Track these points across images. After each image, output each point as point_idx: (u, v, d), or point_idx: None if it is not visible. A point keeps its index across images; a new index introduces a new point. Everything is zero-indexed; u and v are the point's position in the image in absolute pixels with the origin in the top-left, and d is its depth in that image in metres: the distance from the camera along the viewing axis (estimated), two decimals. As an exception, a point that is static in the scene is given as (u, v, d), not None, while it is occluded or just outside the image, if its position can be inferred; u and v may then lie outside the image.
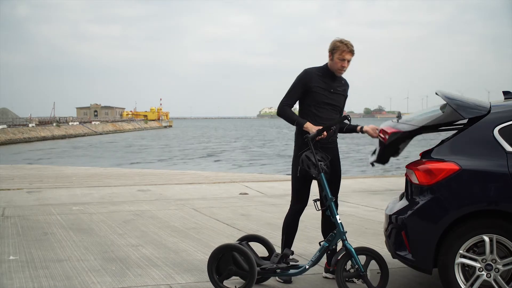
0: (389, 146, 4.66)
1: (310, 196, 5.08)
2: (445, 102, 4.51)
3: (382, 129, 4.75)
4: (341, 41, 4.91)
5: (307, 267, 4.68)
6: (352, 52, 4.93)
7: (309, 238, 6.72)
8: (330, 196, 4.60)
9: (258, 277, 4.75)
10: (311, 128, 4.80)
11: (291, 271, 4.75)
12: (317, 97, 4.94)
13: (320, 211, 4.92)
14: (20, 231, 7.21)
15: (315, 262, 4.66)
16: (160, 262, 5.68)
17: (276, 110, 5.11)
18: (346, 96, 5.16)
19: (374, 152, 5.07)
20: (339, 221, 4.59)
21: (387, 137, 4.59)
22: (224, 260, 4.71)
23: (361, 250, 4.53)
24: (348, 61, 4.95)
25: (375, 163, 5.02)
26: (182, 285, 4.94)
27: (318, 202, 4.71)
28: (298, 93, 4.99)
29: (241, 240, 5.09)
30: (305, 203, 5.08)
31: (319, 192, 4.83)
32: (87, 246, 6.37)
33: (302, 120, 4.92)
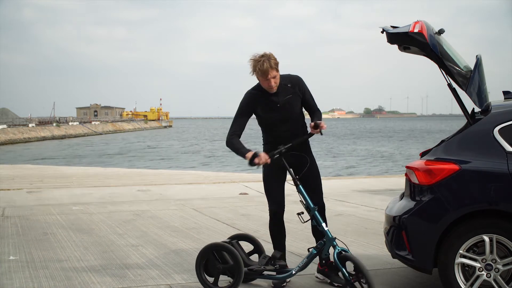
0: None
1: (286, 200, 4.99)
2: None
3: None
4: (257, 66, 4.58)
5: (293, 272, 4.64)
6: (272, 67, 4.59)
7: (309, 238, 6.71)
8: (312, 206, 4.53)
9: (245, 277, 4.73)
10: (249, 157, 4.56)
11: (278, 275, 4.72)
12: (265, 118, 4.79)
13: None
14: (20, 231, 7.21)
15: (302, 268, 4.61)
16: (160, 262, 5.68)
17: (226, 141, 4.81)
18: (300, 96, 4.83)
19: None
20: (326, 229, 4.49)
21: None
22: (212, 259, 4.70)
23: (345, 259, 4.36)
24: (274, 77, 4.64)
25: None
26: (182, 285, 4.94)
27: (302, 215, 4.60)
28: (246, 119, 4.82)
29: (232, 238, 5.07)
30: (279, 206, 4.89)
31: (302, 204, 4.65)
32: (87, 246, 6.37)
33: (245, 150, 4.63)
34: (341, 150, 43.98)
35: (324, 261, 4.93)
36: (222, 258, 4.69)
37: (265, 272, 4.76)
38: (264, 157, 4.56)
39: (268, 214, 5.00)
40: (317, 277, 5.09)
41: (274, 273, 4.75)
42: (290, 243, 6.45)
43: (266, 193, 4.97)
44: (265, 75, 4.61)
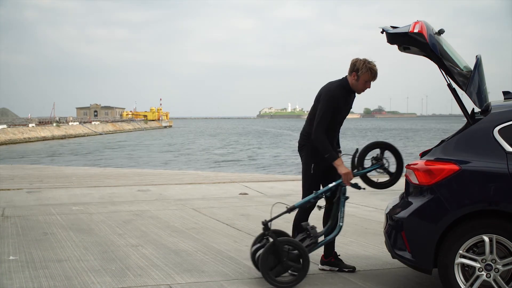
0: None
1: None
2: None
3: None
4: (373, 67, 4.96)
5: (341, 224, 5.01)
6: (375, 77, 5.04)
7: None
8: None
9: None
10: (342, 167, 4.93)
11: (329, 236, 5.03)
12: (338, 117, 5.09)
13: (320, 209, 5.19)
14: (20, 231, 7.21)
15: (343, 216, 5.07)
16: (160, 262, 5.68)
17: (313, 136, 5.01)
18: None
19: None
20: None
21: None
22: (276, 256, 4.79)
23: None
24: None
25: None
26: (182, 285, 4.94)
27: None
28: (328, 118, 5.00)
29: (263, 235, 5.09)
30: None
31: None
32: (87, 246, 6.37)
33: (335, 155, 4.97)
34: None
35: (328, 252, 5.19)
36: (287, 253, 4.80)
37: (319, 240, 5.02)
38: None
39: (300, 211, 5.12)
40: (323, 269, 5.20)
41: (321, 238, 5.05)
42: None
43: (307, 190, 5.12)
44: (374, 78, 5.00)
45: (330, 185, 5.06)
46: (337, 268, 5.23)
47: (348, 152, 5.24)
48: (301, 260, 4.81)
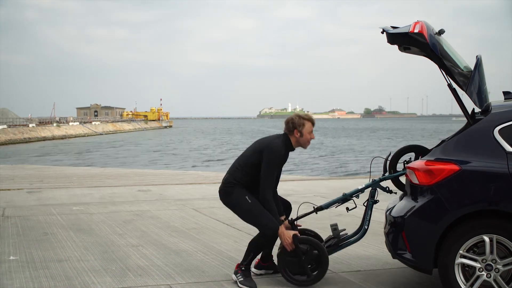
0: None
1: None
2: None
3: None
4: (309, 118, 4.97)
5: (366, 227, 5.02)
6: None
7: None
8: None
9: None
10: (286, 234, 4.78)
11: (353, 238, 5.05)
12: (278, 173, 5.00)
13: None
14: (20, 231, 7.21)
15: (369, 219, 5.05)
16: (160, 262, 5.68)
17: (261, 192, 4.82)
18: None
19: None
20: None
21: None
22: (295, 254, 4.81)
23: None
24: None
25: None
26: (182, 285, 4.94)
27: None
28: (275, 175, 4.91)
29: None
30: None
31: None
32: (87, 246, 6.37)
33: (276, 222, 4.80)
34: (340, 149, 44.02)
35: (265, 258, 5.19)
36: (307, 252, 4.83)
37: (342, 243, 5.05)
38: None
39: (267, 240, 4.91)
40: (254, 273, 5.16)
41: (349, 238, 5.10)
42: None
43: (260, 217, 4.83)
44: (314, 125, 5.01)
45: (360, 187, 5.06)
46: (272, 271, 5.22)
47: (381, 155, 5.27)
48: (320, 260, 4.82)
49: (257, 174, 4.85)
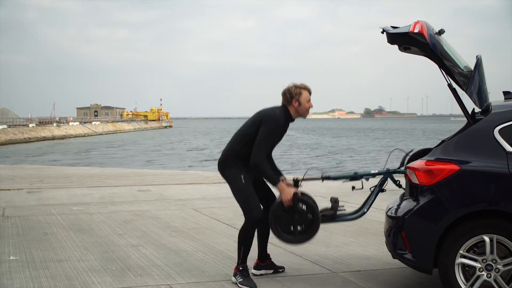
0: None
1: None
2: None
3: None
4: (305, 87, 4.95)
5: (365, 210, 5.02)
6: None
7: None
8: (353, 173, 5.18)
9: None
10: (287, 191, 4.76)
11: (350, 216, 5.07)
12: (276, 141, 4.96)
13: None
14: (20, 231, 7.21)
15: (371, 205, 5.04)
16: (160, 262, 5.68)
17: (252, 158, 4.78)
18: None
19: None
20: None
21: None
22: (289, 213, 4.82)
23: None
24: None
25: None
26: (182, 285, 4.94)
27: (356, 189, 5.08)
28: (271, 143, 4.88)
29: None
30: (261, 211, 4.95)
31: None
32: (87, 246, 6.37)
33: (276, 178, 4.81)
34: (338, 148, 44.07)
35: (262, 257, 5.18)
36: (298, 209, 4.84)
37: (338, 213, 5.06)
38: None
39: (250, 224, 4.91)
40: (254, 274, 5.14)
41: (346, 215, 5.11)
42: (290, 243, 6.46)
43: (249, 199, 4.87)
44: (310, 94, 4.98)
45: (373, 171, 5.08)
46: (272, 270, 5.22)
47: (403, 149, 5.27)
48: (311, 225, 4.83)
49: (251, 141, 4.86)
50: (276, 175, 4.86)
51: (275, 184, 4.79)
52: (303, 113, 4.97)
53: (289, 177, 5.11)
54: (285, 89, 4.96)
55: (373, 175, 5.09)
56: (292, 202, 4.75)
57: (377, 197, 5.10)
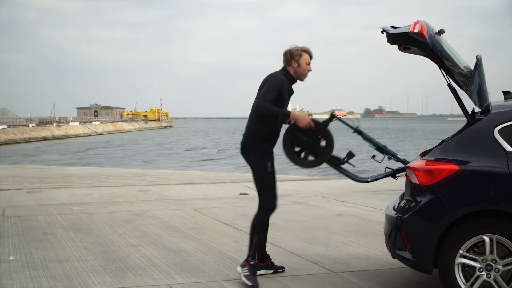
0: None
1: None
2: None
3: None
4: (306, 50, 4.96)
5: (369, 180, 5.05)
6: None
7: (309, 238, 6.72)
8: (382, 145, 5.13)
9: (324, 165, 5.01)
10: (302, 115, 4.78)
11: (353, 175, 5.05)
12: (283, 105, 4.94)
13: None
14: (20, 231, 7.21)
15: (377, 179, 5.08)
16: (160, 262, 5.68)
17: (256, 107, 4.80)
18: None
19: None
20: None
21: None
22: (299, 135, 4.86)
23: None
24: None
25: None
26: (182, 285, 4.94)
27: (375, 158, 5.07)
28: (274, 97, 4.81)
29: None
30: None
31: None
32: (87, 246, 6.37)
33: (286, 110, 4.83)
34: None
35: (263, 257, 5.16)
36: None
37: (344, 166, 5.05)
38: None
39: (262, 209, 5.02)
40: (260, 274, 5.13)
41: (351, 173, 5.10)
42: (291, 243, 6.46)
43: (271, 188, 4.97)
44: (311, 57, 4.99)
45: (399, 156, 5.11)
46: (272, 271, 5.21)
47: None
48: (321, 154, 4.88)
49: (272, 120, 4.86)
50: (286, 112, 4.78)
51: (287, 115, 4.75)
52: (301, 75, 4.98)
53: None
54: (286, 50, 4.98)
55: (397, 159, 5.10)
56: (311, 122, 4.77)
57: (384, 178, 5.14)
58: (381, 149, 5.10)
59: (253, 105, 4.92)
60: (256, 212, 5.02)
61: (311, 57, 5.00)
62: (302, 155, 4.96)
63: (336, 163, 5.06)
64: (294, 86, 5.04)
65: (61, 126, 73.77)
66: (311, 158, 4.95)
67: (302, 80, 5.03)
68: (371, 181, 5.09)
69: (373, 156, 5.11)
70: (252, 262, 4.91)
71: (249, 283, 4.79)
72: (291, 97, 5.03)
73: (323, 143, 4.89)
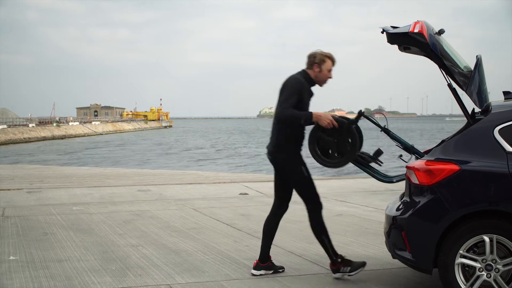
0: None
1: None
2: None
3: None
4: (330, 56, 4.97)
5: (394, 180, 5.00)
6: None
7: (309, 238, 6.71)
8: (410, 145, 5.06)
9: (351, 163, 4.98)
10: (324, 115, 4.80)
11: (379, 175, 5.02)
12: (305, 108, 4.93)
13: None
14: (20, 231, 7.21)
15: (401, 179, 4.93)
16: (160, 262, 5.68)
17: (278, 115, 4.82)
18: None
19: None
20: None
21: None
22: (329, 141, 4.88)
23: None
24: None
25: None
26: (182, 285, 4.94)
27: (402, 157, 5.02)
28: (294, 101, 4.82)
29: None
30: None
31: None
32: (87, 246, 6.37)
33: (308, 112, 4.83)
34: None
35: (265, 258, 5.16)
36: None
37: (371, 164, 5.05)
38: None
39: (312, 210, 5.02)
40: (254, 274, 5.14)
41: (378, 172, 5.08)
42: (291, 243, 6.46)
43: (312, 190, 4.99)
44: (334, 65, 5.02)
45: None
46: (272, 271, 5.20)
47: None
48: (346, 155, 4.89)
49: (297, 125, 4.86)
50: (308, 114, 4.80)
51: (310, 116, 4.77)
52: (321, 81, 5.00)
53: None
54: (311, 53, 5.00)
55: (422, 158, 5.08)
56: (334, 121, 4.77)
57: (399, 180, 5.06)
58: (409, 149, 5.05)
59: (275, 112, 4.95)
60: (308, 216, 5.05)
61: (334, 64, 5.01)
62: (328, 155, 4.96)
63: (363, 162, 5.05)
64: None
65: (61, 126, 73.75)
66: (336, 158, 4.94)
67: (321, 86, 5.04)
68: (397, 181, 5.04)
69: (400, 156, 5.10)
70: (339, 260, 5.00)
71: (357, 271, 4.96)
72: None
73: (347, 142, 4.89)
